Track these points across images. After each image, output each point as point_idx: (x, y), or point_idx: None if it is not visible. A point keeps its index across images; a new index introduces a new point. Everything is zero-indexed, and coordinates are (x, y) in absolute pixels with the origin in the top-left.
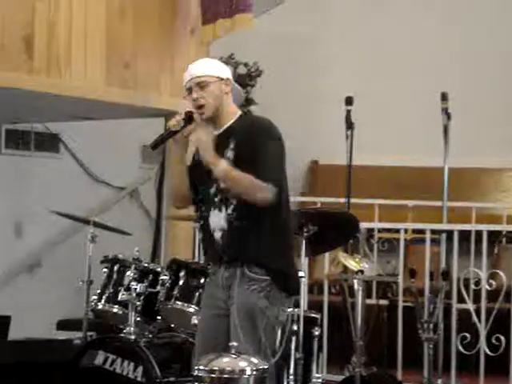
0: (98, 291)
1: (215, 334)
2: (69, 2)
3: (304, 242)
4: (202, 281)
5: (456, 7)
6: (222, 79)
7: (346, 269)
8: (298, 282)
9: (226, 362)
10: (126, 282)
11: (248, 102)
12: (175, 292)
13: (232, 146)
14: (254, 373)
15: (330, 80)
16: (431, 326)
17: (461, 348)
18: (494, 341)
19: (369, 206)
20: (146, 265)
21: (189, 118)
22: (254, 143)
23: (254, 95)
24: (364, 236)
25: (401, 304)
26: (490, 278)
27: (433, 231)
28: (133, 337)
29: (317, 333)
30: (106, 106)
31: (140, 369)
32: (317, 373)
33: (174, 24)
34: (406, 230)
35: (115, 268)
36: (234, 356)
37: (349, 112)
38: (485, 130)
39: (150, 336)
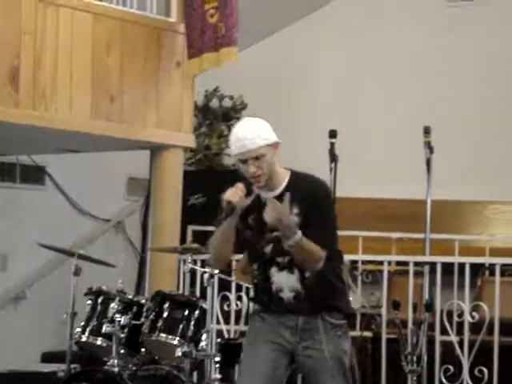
0: (82, 323)
1: (276, 366)
2: (55, 36)
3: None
4: (187, 313)
5: (438, 41)
6: (273, 144)
7: None
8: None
9: None
10: (109, 314)
11: None
12: (159, 324)
13: (296, 210)
14: None
15: (315, 113)
16: (415, 357)
17: (444, 380)
18: (476, 373)
19: (353, 238)
20: (130, 297)
21: (249, 192)
22: (319, 211)
23: None
24: (348, 268)
25: (384, 336)
26: (472, 311)
27: (416, 263)
28: (116, 369)
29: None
30: (92, 138)
31: None
32: None
33: (160, 58)
34: (389, 262)
35: (99, 300)
36: None
37: (332, 145)
38: (468, 163)
39: (134, 368)
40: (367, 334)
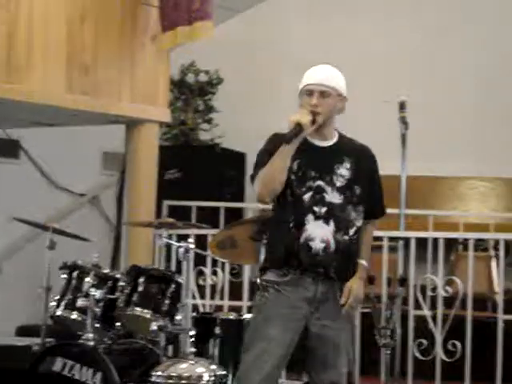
0: (57, 297)
1: (289, 346)
2: (29, 9)
3: (263, 248)
4: (162, 287)
5: (417, 15)
6: (340, 95)
7: None
8: None
9: (183, 367)
10: (84, 288)
11: (209, 109)
12: (134, 298)
13: (348, 165)
14: (212, 379)
15: (292, 87)
16: (388, 332)
17: (417, 354)
18: (449, 346)
19: None
20: (105, 271)
21: (314, 120)
22: (374, 174)
23: (215, 103)
24: None
25: (359, 310)
26: (446, 285)
27: (390, 238)
28: (92, 343)
29: None
30: (67, 112)
31: (99, 375)
32: None
33: (135, 31)
34: None
35: (74, 274)
36: (191, 362)
37: None
38: (443, 139)
39: (109, 342)
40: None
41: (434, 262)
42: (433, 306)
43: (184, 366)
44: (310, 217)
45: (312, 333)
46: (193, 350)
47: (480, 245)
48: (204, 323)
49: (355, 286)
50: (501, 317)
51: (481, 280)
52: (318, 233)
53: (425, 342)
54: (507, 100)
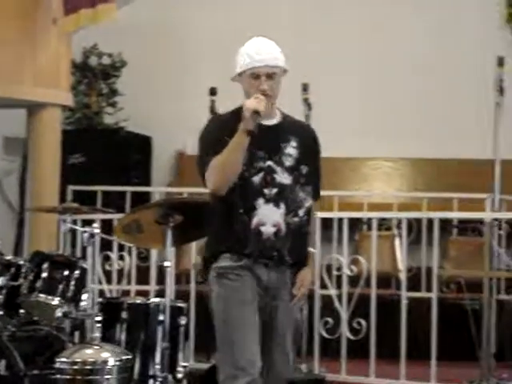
0: None
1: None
2: None
3: (170, 231)
4: (67, 273)
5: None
6: (285, 71)
7: None
8: None
9: (88, 353)
10: None
11: (113, 92)
12: (38, 284)
13: (294, 144)
14: (118, 363)
15: (196, 71)
16: None
17: (324, 332)
18: (355, 325)
19: None
20: (7, 258)
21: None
22: (317, 155)
23: (118, 86)
24: None
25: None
26: (351, 264)
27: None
28: None
29: (183, 322)
30: None
31: (3, 362)
32: (183, 362)
33: (36, 14)
34: None
35: None
36: (97, 347)
37: (213, 102)
38: (346, 120)
39: (13, 329)
40: None
41: (340, 241)
42: (338, 286)
43: (89, 351)
44: (261, 200)
45: (268, 317)
46: (99, 335)
47: (384, 224)
48: (110, 308)
49: (308, 277)
50: (404, 294)
51: (385, 259)
52: (269, 217)
53: (331, 320)
54: (411, 82)
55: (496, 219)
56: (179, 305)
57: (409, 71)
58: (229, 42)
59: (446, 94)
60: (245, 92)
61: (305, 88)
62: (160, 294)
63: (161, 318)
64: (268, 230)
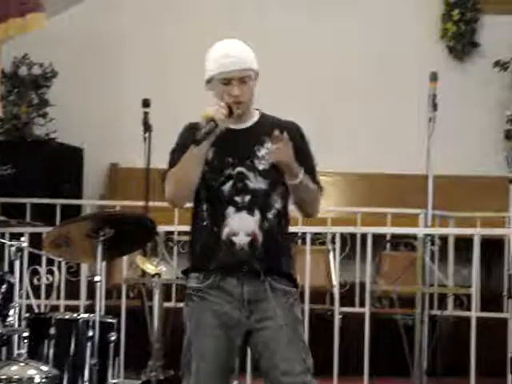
0: None
1: (228, 357)
2: None
3: (100, 245)
4: None
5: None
6: (257, 73)
7: (144, 272)
8: None
9: (14, 370)
10: None
11: (44, 103)
12: None
13: (269, 145)
14: (44, 380)
15: (128, 82)
16: None
17: None
18: None
19: (169, 209)
20: None
21: (230, 113)
22: (300, 147)
23: (49, 96)
24: (163, 239)
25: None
26: None
27: None
28: None
29: (113, 338)
30: None
31: None
32: (113, 378)
33: None
34: None
35: None
36: (22, 364)
37: (146, 114)
38: None
39: None
40: (182, 305)
41: None
42: None
43: (14, 368)
44: (231, 209)
45: (255, 336)
46: (25, 351)
47: (318, 239)
48: (38, 324)
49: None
50: (337, 309)
51: (319, 273)
52: (242, 225)
53: None
54: (346, 97)
55: (429, 235)
56: (109, 320)
57: (344, 85)
58: (162, 53)
59: (382, 108)
60: (216, 100)
61: None
62: (90, 309)
63: (90, 333)
64: (242, 239)
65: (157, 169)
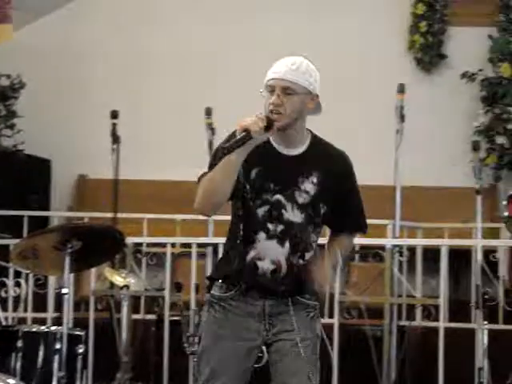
0: None
1: (245, 369)
2: None
3: (68, 257)
4: None
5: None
6: (310, 93)
7: (112, 284)
8: None
9: None
10: None
11: (11, 114)
12: None
13: (315, 179)
14: None
15: (97, 93)
16: (196, 339)
17: None
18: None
19: (138, 221)
20: None
21: (269, 125)
22: (347, 186)
23: (17, 108)
24: (131, 251)
25: (167, 318)
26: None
27: (199, 245)
28: None
29: (81, 350)
30: None
31: None
32: None
33: None
34: (173, 244)
35: None
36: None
37: (114, 125)
38: None
39: None
40: (151, 317)
41: None
42: None
43: None
44: (262, 235)
45: (271, 350)
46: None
47: None
48: (5, 336)
49: (320, 273)
50: None
51: None
52: (269, 253)
53: None
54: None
55: (397, 245)
56: (77, 333)
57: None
58: (131, 65)
59: (350, 120)
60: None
61: (208, 112)
62: (57, 321)
63: (58, 346)
64: (265, 265)
65: (125, 180)
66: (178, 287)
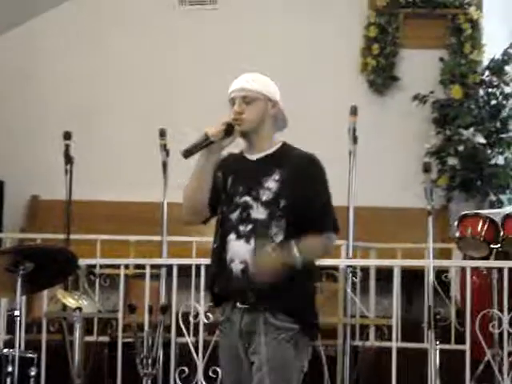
0: None
1: (235, 376)
2: None
3: (20, 279)
4: None
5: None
6: (270, 100)
7: (65, 306)
8: (318, 329)
9: None
10: None
11: None
12: None
13: (277, 177)
14: None
15: (51, 114)
16: (150, 360)
17: (179, 381)
18: (211, 373)
19: (91, 242)
20: None
21: (229, 130)
22: (309, 181)
23: None
24: (84, 272)
25: (120, 340)
26: (208, 312)
27: (153, 266)
28: None
29: (33, 373)
30: None
31: None
32: None
33: None
34: (127, 266)
35: None
36: None
37: (67, 146)
38: None
39: None
40: (104, 338)
41: (197, 289)
42: (196, 333)
43: None
44: (232, 236)
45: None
46: None
47: None
48: None
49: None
50: None
51: None
52: (238, 253)
53: (186, 369)
54: None
55: (350, 266)
56: (29, 355)
57: None
58: (84, 86)
59: (303, 141)
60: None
61: (162, 133)
62: (9, 343)
63: (9, 369)
64: (236, 266)
65: (78, 201)
66: (131, 309)
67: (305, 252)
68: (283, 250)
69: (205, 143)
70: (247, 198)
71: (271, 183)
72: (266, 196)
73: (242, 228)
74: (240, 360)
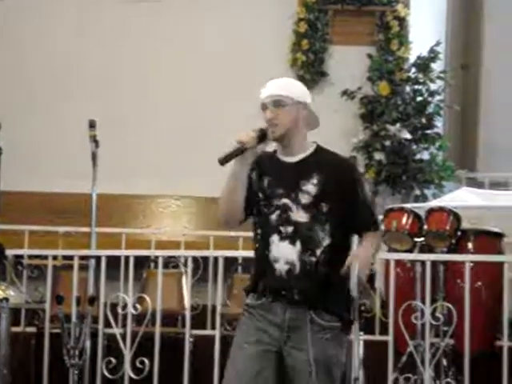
0: None
1: (260, 369)
2: None
3: None
4: None
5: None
6: (300, 102)
7: None
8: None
9: None
10: None
11: None
12: None
13: (315, 181)
14: None
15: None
16: (77, 351)
17: (106, 372)
18: (138, 364)
19: (19, 232)
20: None
21: (262, 136)
22: (350, 186)
23: None
24: (11, 263)
25: (47, 331)
26: (136, 303)
27: (82, 257)
28: None
29: None
30: None
31: None
32: None
33: None
34: (55, 257)
35: None
36: None
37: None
38: (134, 158)
39: None
40: (31, 329)
41: (126, 279)
42: (124, 324)
43: None
44: (275, 237)
45: (286, 362)
46: None
47: (172, 262)
48: None
49: (361, 250)
50: (188, 332)
51: (172, 297)
52: (283, 254)
53: (114, 360)
54: (198, 127)
55: None
56: None
57: (194, 114)
58: (12, 76)
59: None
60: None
61: (91, 125)
62: None
63: None
64: (281, 267)
65: (6, 192)
66: (59, 300)
67: (375, 249)
68: (361, 246)
69: (239, 151)
70: (286, 201)
71: (309, 186)
72: (304, 199)
73: (283, 229)
74: (266, 345)
